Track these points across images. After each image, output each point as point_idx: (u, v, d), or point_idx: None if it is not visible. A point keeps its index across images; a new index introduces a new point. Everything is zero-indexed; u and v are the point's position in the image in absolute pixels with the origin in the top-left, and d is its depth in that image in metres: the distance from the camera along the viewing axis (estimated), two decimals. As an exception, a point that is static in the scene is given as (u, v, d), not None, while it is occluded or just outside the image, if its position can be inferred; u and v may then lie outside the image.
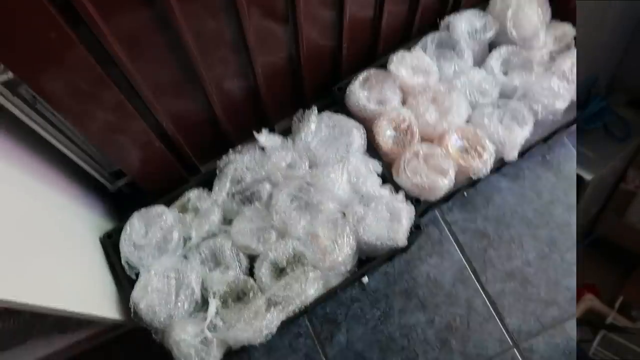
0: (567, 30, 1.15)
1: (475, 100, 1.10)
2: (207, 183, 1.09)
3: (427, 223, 1.20)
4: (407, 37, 1.20)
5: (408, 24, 1.17)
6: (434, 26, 1.19)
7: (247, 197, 1.05)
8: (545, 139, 1.26)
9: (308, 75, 1.08)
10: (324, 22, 0.98)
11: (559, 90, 1.08)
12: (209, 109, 1.00)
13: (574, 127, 1.30)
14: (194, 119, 1.02)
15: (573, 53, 1.11)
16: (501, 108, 1.10)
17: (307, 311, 0.95)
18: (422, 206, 1.04)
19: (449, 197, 1.16)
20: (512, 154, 1.05)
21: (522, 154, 1.22)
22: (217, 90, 0.96)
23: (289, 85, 1.11)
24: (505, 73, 1.16)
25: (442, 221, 1.21)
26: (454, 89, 1.09)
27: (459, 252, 1.18)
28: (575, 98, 1.11)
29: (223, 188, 1.05)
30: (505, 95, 1.12)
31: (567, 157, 1.28)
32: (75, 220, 0.98)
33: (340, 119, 1.08)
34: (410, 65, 1.12)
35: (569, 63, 1.10)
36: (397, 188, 1.03)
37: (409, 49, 1.15)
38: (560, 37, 1.15)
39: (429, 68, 1.11)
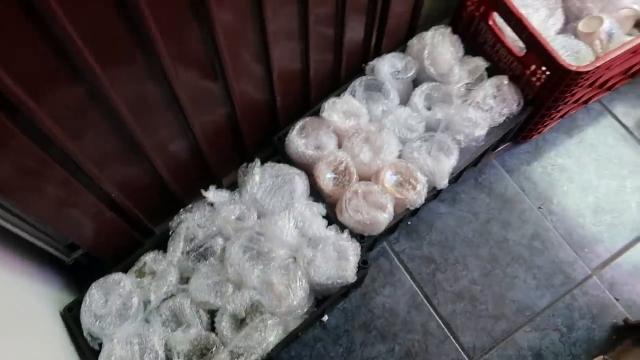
0: (479, 63, 1.26)
1: (404, 136, 1.19)
2: (162, 244, 1.12)
3: (377, 256, 1.26)
4: (336, 84, 1.29)
5: (336, 72, 1.26)
6: (360, 71, 1.29)
7: (201, 253, 1.09)
8: (475, 163, 1.37)
9: (247, 129, 1.14)
10: (254, 77, 1.04)
11: (476, 119, 1.18)
12: (154, 173, 1.04)
13: (501, 148, 1.41)
14: (142, 184, 1.05)
15: (485, 84, 1.22)
16: (428, 141, 1.18)
17: (271, 358, 0.99)
18: (367, 241, 1.10)
19: (394, 228, 1.23)
20: (442, 183, 1.14)
21: (456, 178, 1.32)
22: (160, 154, 1.01)
23: (230, 141, 1.17)
24: (429, 108, 1.26)
25: (391, 252, 1.27)
26: (383, 128, 1.17)
27: (410, 279, 1.24)
28: (493, 123, 1.22)
29: (177, 248, 1.08)
30: (431, 128, 1.21)
31: (497, 177, 1.38)
32: (31, 298, 0.99)
33: (282, 167, 1.15)
34: (342, 110, 1.20)
35: (482, 94, 1.20)
36: (342, 227, 1.10)
37: (339, 94, 1.23)
38: (473, 70, 1.26)
39: (358, 111, 1.20)
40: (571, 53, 1.25)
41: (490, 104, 1.20)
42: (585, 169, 1.41)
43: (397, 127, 1.20)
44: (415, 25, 1.33)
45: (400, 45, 1.32)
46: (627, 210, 1.36)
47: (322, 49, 1.13)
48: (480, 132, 1.18)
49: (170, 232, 1.10)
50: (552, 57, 1.11)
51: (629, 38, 1.28)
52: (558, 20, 1.28)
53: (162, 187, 1.10)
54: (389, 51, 1.29)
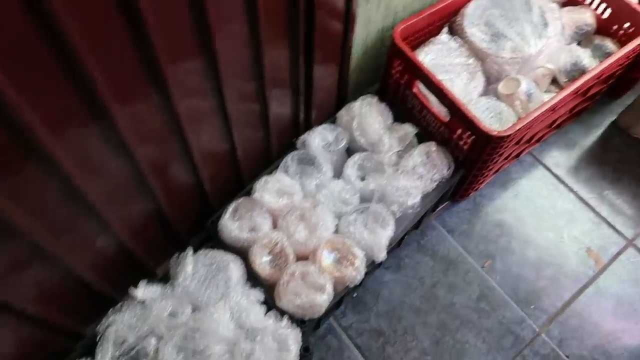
0: (408, 130, 1.27)
1: (339, 210, 1.17)
2: (93, 347, 1.04)
3: (324, 334, 1.22)
4: (269, 160, 1.27)
5: (266, 149, 1.24)
6: (292, 145, 1.28)
7: (133, 357, 1.01)
8: (416, 226, 1.36)
9: (176, 217, 1.10)
10: (174, 161, 1.00)
11: (408, 188, 1.18)
12: (77, 274, 0.98)
13: (440, 207, 1.42)
14: (64, 286, 0.99)
15: (414, 153, 1.23)
16: (364, 213, 1.17)
17: None
18: (309, 325, 1.06)
19: (339, 302, 1.20)
20: (380, 256, 1.12)
21: (399, 243, 1.31)
22: (84, 253, 0.95)
23: (160, 230, 1.12)
24: (363, 178, 1.26)
25: (338, 328, 1.23)
26: (318, 204, 1.15)
27: (360, 356, 1.20)
28: (426, 190, 1.22)
29: (106, 354, 1.01)
30: (366, 199, 1.20)
31: (439, 238, 1.38)
32: None
33: (216, 254, 1.10)
34: (274, 189, 1.18)
35: (412, 162, 1.21)
36: (282, 312, 1.05)
37: (271, 172, 1.22)
38: (403, 137, 1.27)
39: (291, 189, 1.18)
40: (494, 114, 1.28)
41: (420, 172, 1.21)
42: (524, 222, 1.43)
43: (332, 201, 1.18)
44: (344, 96, 1.34)
45: (330, 116, 1.32)
46: (567, 261, 1.37)
47: (247, 127, 1.11)
48: (413, 200, 1.18)
49: (98, 338, 1.03)
50: (473, 124, 1.13)
51: (548, 95, 1.33)
52: (479, 83, 1.32)
53: (88, 288, 1.03)
54: (320, 123, 1.29)
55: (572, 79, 1.34)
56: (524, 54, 1.29)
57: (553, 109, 1.22)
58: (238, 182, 1.23)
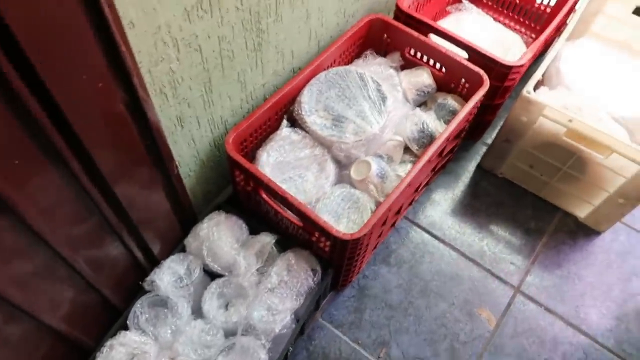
0: (265, 240, 1.17)
1: (202, 356, 1.04)
2: None
3: None
4: (116, 314, 1.12)
5: (107, 305, 1.09)
6: (141, 289, 1.13)
7: None
8: (301, 332, 1.26)
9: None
10: None
11: (276, 307, 1.08)
12: None
13: (325, 302, 1.32)
14: None
15: (279, 263, 1.14)
16: (231, 350, 1.05)
17: None
18: None
19: None
20: (254, 404, 1.00)
21: (285, 357, 1.19)
22: None
23: None
24: (226, 306, 1.14)
25: None
26: (176, 357, 1.02)
27: None
28: (295, 303, 1.12)
29: None
30: (231, 332, 1.09)
31: (328, 338, 1.28)
32: None
33: None
34: (123, 354, 1.03)
35: (274, 279, 1.11)
36: None
37: (119, 328, 1.07)
38: (262, 250, 1.17)
39: (143, 346, 1.03)
40: (351, 204, 1.22)
41: (283, 291, 1.11)
42: (412, 295, 1.37)
43: (192, 348, 1.05)
44: (191, 216, 1.22)
45: (179, 244, 1.20)
46: (461, 327, 1.33)
47: (68, 290, 0.96)
48: (282, 323, 1.07)
49: None
50: (325, 230, 1.05)
51: (404, 167, 1.29)
52: (330, 172, 1.25)
53: None
54: (168, 255, 1.16)
55: (423, 145, 1.31)
56: (367, 134, 1.24)
57: (410, 184, 1.17)
58: (82, 351, 1.07)
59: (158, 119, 0.88)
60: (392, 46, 1.46)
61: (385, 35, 1.45)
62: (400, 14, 1.46)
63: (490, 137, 1.68)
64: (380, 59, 1.43)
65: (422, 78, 1.40)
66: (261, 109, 1.21)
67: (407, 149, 1.36)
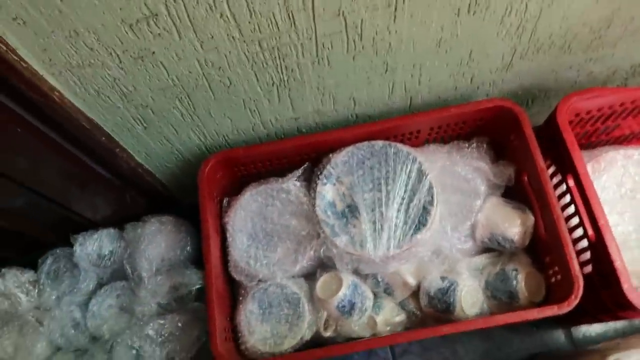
0: (191, 282, 1.01)
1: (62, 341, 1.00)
2: None
3: None
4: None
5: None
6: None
7: None
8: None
9: None
10: None
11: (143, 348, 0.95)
12: None
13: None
14: None
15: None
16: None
17: None
18: None
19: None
20: None
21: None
22: None
23: None
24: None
25: None
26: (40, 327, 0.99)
27: None
28: None
29: None
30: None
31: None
32: None
33: None
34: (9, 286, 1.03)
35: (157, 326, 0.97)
36: None
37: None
38: (176, 287, 1.01)
39: (20, 293, 1.02)
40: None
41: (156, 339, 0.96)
42: None
43: (59, 327, 1.00)
44: (164, 198, 1.09)
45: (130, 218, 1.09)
46: None
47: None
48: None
49: None
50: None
51: (395, 313, 0.96)
52: (303, 263, 0.97)
53: None
54: (112, 224, 1.08)
55: (435, 308, 0.93)
56: (358, 253, 0.90)
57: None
58: None
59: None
60: (514, 153, 0.99)
61: (513, 137, 0.98)
62: (551, 124, 0.94)
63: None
64: (482, 163, 0.98)
65: (508, 225, 0.93)
66: (272, 144, 0.95)
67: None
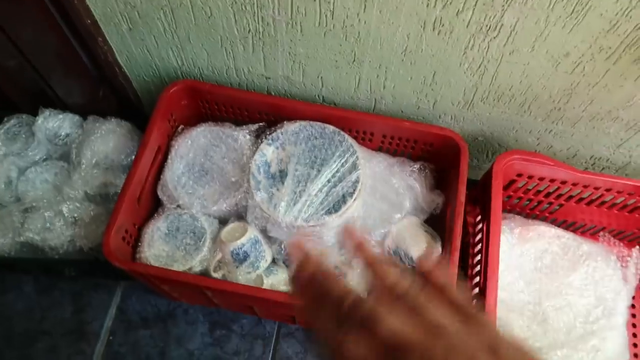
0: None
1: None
2: None
3: None
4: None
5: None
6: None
7: None
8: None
9: None
10: None
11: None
12: None
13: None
14: None
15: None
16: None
17: None
18: None
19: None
20: None
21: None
22: None
23: None
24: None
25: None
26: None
27: None
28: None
29: None
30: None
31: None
32: None
33: None
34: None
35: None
36: None
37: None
38: (106, 184, 1.08)
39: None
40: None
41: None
42: None
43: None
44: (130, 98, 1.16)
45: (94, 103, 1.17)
46: None
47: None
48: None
49: None
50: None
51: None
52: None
53: None
54: (80, 110, 1.16)
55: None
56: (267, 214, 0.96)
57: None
58: None
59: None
60: (449, 185, 1.02)
61: (453, 170, 1.01)
62: (488, 171, 0.98)
63: None
64: (417, 184, 1.03)
65: (414, 244, 0.97)
66: (238, 91, 1.02)
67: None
